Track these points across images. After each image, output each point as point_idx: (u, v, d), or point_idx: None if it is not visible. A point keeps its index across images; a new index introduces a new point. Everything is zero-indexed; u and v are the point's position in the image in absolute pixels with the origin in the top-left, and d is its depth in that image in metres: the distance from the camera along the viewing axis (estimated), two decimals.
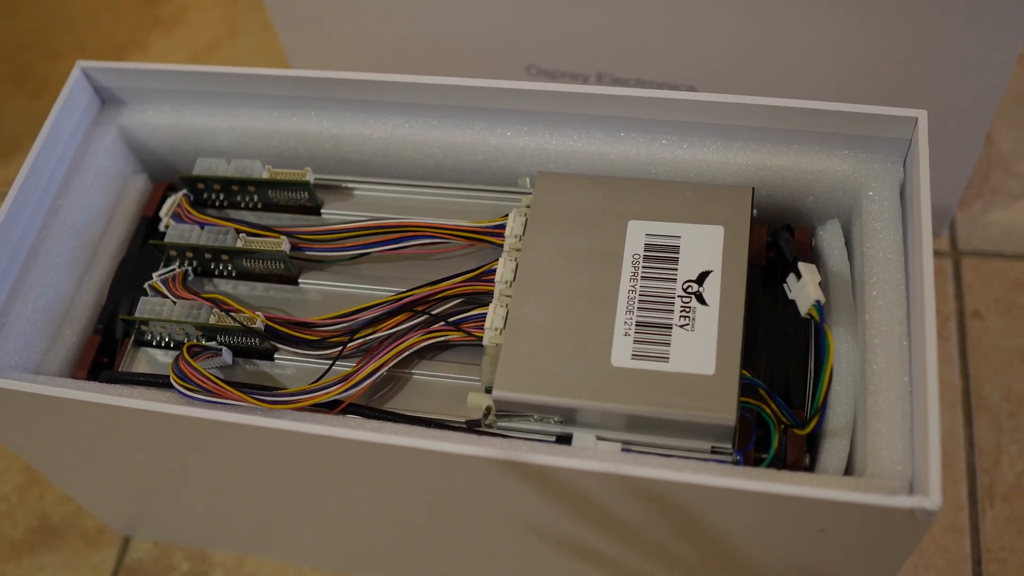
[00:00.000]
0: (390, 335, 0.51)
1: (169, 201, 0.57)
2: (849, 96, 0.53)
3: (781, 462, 0.48)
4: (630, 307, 0.48)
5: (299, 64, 0.77)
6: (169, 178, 0.63)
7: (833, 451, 0.48)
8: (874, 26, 0.62)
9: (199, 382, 0.49)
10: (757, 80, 0.66)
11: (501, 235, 0.53)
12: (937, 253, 0.73)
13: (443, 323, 0.51)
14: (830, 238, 0.54)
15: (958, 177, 0.71)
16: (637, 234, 0.50)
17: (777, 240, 0.53)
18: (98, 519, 0.69)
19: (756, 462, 0.48)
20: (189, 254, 0.55)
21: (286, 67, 0.87)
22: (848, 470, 0.48)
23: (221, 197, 0.58)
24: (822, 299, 0.49)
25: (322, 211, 0.58)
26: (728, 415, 0.45)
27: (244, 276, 0.56)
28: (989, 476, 0.65)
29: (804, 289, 0.49)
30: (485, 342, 0.49)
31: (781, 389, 0.50)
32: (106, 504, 0.65)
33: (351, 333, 0.52)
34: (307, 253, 0.55)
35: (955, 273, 0.72)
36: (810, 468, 0.49)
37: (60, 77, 0.94)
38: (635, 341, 0.47)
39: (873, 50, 0.63)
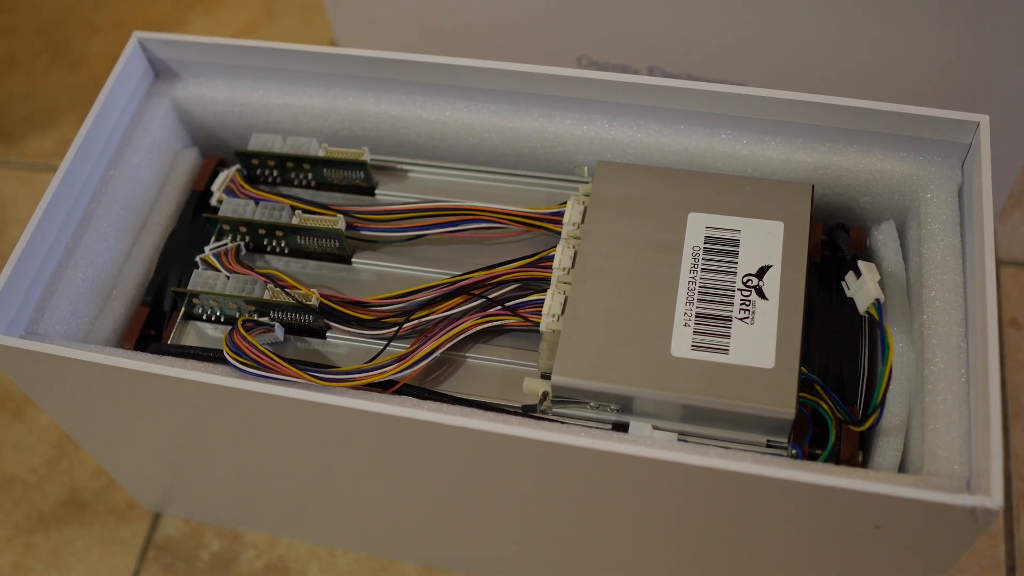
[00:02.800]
0: (445, 317, 0.51)
1: (222, 175, 0.57)
2: (893, 97, 0.53)
3: (835, 458, 0.48)
4: (690, 298, 0.48)
5: (345, 43, 0.77)
6: (219, 153, 0.62)
7: (888, 449, 0.48)
8: (927, 31, 0.62)
9: (254, 356, 0.49)
10: (809, 80, 0.66)
11: (559, 222, 0.53)
12: None
13: (499, 307, 0.51)
14: (885, 239, 0.54)
15: (1000, 188, 0.71)
16: (697, 226, 0.50)
17: (833, 238, 0.54)
18: (129, 494, 0.69)
19: (811, 457, 0.48)
20: (242, 229, 0.55)
21: (331, 45, 0.87)
22: (901, 468, 0.48)
23: (275, 174, 0.58)
24: (882, 298, 0.49)
25: (376, 192, 0.57)
26: (787, 409, 0.45)
27: (297, 253, 0.56)
28: None
29: (864, 287, 0.49)
30: (543, 328, 0.49)
31: (835, 386, 0.50)
32: (140, 479, 0.65)
33: (406, 314, 0.52)
34: (362, 232, 0.55)
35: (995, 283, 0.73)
36: (863, 465, 0.49)
37: (97, 52, 0.94)
38: (695, 332, 0.47)
39: (924, 56, 0.63)
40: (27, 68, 0.94)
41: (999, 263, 0.74)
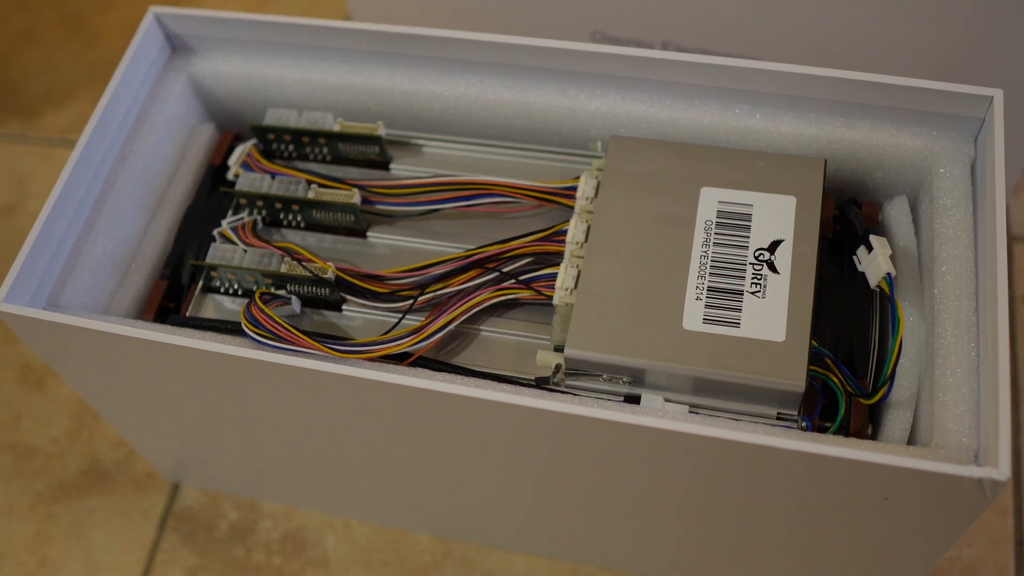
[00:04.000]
0: (460, 291, 0.52)
1: (239, 150, 0.58)
2: (906, 71, 0.53)
3: (845, 431, 0.49)
4: (702, 272, 0.49)
5: (360, 17, 0.77)
6: (236, 128, 0.63)
7: (896, 422, 0.49)
8: (941, 4, 0.62)
9: (271, 328, 0.50)
10: (822, 54, 0.66)
11: (572, 197, 0.53)
12: None
13: (513, 281, 0.52)
14: (897, 213, 0.54)
15: (1013, 164, 0.71)
16: (710, 201, 0.51)
17: (845, 213, 0.54)
18: (148, 465, 0.70)
19: (821, 430, 0.49)
20: (259, 203, 0.56)
21: (345, 20, 0.88)
22: (910, 441, 0.49)
23: (291, 148, 0.58)
24: (893, 272, 0.49)
25: (391, 166, 0.58)
26: (798, 381, 0.46)
27: (313, 227, 0.57)
28: None
29: (875, 261, 0.50)
30: (556, 301, 0.50)
31: (845, 359, 0.51)
32: (159, 449, 0.66)
33: (421, 287, 0.52)
34: (377, 207, 0.55)
35: (1006, 258, 0.73)
36: (873, 438, 0.49)
37: (112, 26, 0.95)
38: (707, 306, 0.48)
39: (939, 29, 0.63)
40: (43, 43, 0.94)
41: (1012, 239, 0.74)
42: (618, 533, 0.58)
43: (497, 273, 0.52)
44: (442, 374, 0.49)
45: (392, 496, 0.63)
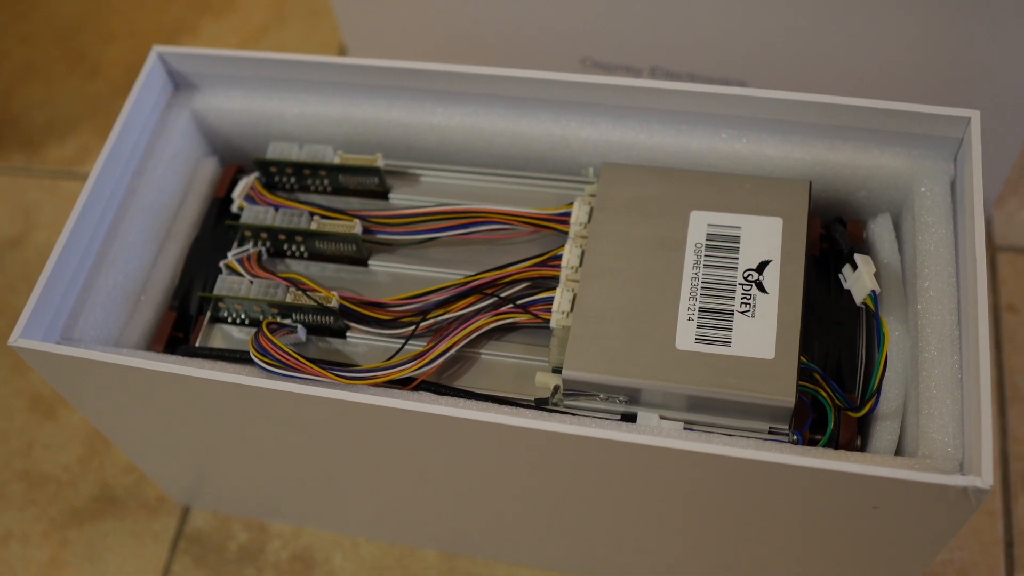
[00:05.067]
0: (460, 316, 0.54)
1: (242, 183, 0.60)
2: (888, 92, 0.55)
3: (834, 443, 0.50)
4: (693, 293, 0.51)
5: (354, 46, 0.79)
6: (239, 161, 0.65)
7: (884, 434, 0.51)
8: (920, 25, 0.64)
9: (279, 357, 0.52)
10: (806, 77, 0.68)
11: (566, 222, 0.55)
12: None
13: (511, 305, 0.53)
14: (881, 231, 0.56)
15: (996, 175, 0.73)
16: (699, 224, 0.53)
17: (831, 232, 0.56)
18: (159, 489, 0.72)
19: (811, 443, 0.51)
20: (263, 235, 0.58)
21: (336, 53, 0.89)
22: (897, 452, 0.51)
23: (292, 181, 0.60)
24: (878, 289, 0.51)
25: (390, 196, 0.60)
26: (787, 397, 0.48)
27: (316, 257, 0.58)
28: (1022, 463, 0.67)
29: (860, 279, 0.51)
30: (552, 324, 0.51)
31: (834, 374, 0.53)
32: (170, 474, 0.67)
33: (422, 313, 0.54)
34: (378, 236, 0.57)
35: (991, 267, 0.75)
36: (861, 450, 0.51)
37: (112, 60, 0.96)
38: (698, 326, 0.50)
39: (918, 49, 0.65)
40: (45, 76, 0.96)
41: (996, 249, 0.76)
42: (618, 546, 0.60)
43: (496, 298, 0.54)
44: (445, 398, 0.51)
45: (398, 514, 0.65)
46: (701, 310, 0.50)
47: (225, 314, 0.57)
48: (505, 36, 0.73)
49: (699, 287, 0.51)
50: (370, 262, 0.58)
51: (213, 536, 0.70)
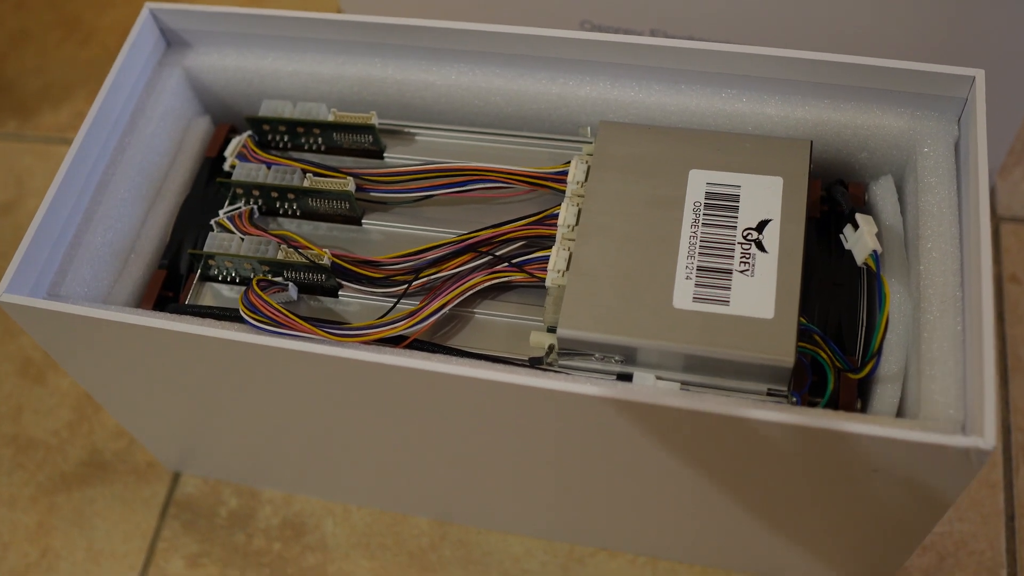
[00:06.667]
0: (454, 275, 0.53)
1: (235, 141, 0.59)
2: (894, 54, 0.54)
3: (834, 405, 0.50)
4: (691, 252, 0.50)
5: (351, 9, 0.78)
6: (231, 120, 0.64)
7: (885, 396, 0.50)
8: None
9: (269, 314, 0.51)
10: (808, 37, 0.66)
11: (563, 181, 0.54)
12: None
13: (506, 264, 0.53)
14: (883, 193, 0.55)
15: (1000, 144, 0.72)
16: (698, 183, 0.52)
17: (832, 194, 0.55)
18: (149, 455, 0.71)
19: (810, 405, 0.50)
20: (255, 192, 0.57)
21: (337, 13, 0.88)
22: (898, 415, 0.50)
23: (286, 139, 0.59)
24: (879, 249, 0.50)
25: (385, 155, 0.59)
26: (786, 357, 0.47)
27: (308, 216, 0.57)
28: (1023, 434, 0.66)
29: (861, 239, 0.50)
30: (548, 283, 0.51)
31: (834, 336, 0.52)
32: (160, 438, 0.66)
33: (416, 272, 0.53)
34: (372, 194, 0.56)
35: (994, 238, 0.74)
36: (862, 412, 0.50)
37: (108, 26, 0.95)
38: (696, 285, 0.49)
39: (924, 11, 0.64)
40: (40, 43, 0.95)
41: (1000, 220, 0.75)
42: (614, 512, 0.59)
43: (490, 257, 0.53)
44: (437, 355, 0.50)
45: (389, 480, 0.64)
46: (699, 269, 0.49)
47: (215, 272, 0.56)
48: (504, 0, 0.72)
49: (697, 246, 0.50)
50: (364, 221, 0.57)
51: (203, 502, 0.69)
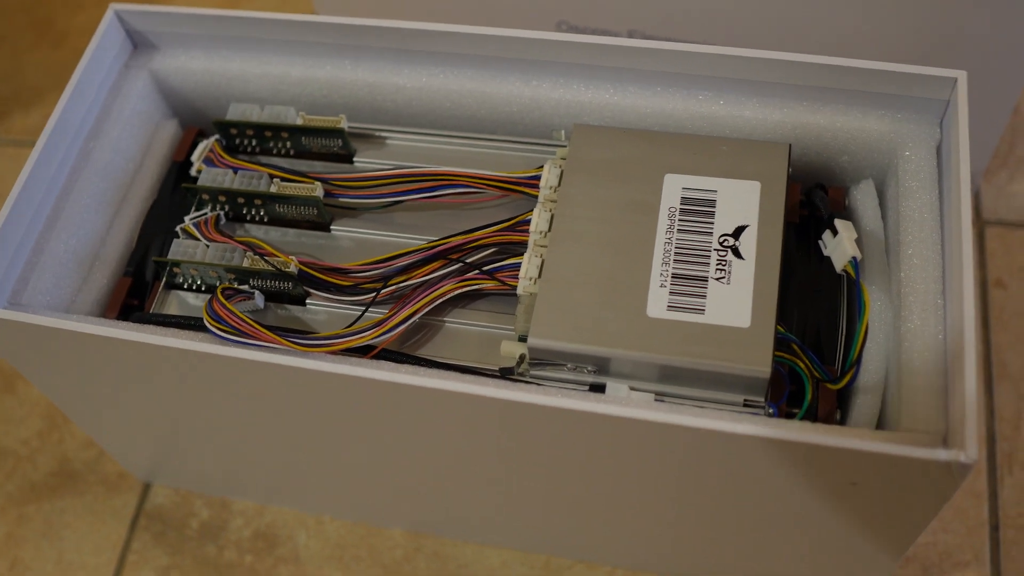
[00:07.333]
0: (424, 282, 0.52)
1: (201, 146, 0.57)
2: (876, 55, 0.53)
3: (812, 416, 0.48)
4: (666, 259, 0.48)
5: (326, 11, 0.76)
6: (200, 124, 0.62)
7: (865, 407, 0.48)
8: None
9: (233, 323, 0.50)
10: (789, 40, 0.65)
11: (535, 186, 0.53)
12: None
13: (477, 272, 0.51)
14: (864, 197, 0.54)
15: (984, 147, 0.71)
16: (674, 187, 0.50)
17: (811, 198, 0.54)
18: (119, 465, 0.69)
19: (788, 416, 0.48)
20: (222, 198, 0.55)
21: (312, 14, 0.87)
22: (878, 426, 0.48)
23: (254, 143, 0.58)
24: (859, 255, 0.49)
25: (355, 159, 0.57)
26: (763, 368, 0.45)
27: (276, 222, 0.56)
28: (1009, 443, 0.65)
29: (840, 245, 0.49)
30: (519, 291, 0.49)
31: (813, 345, 0.50)
32: (129, 449, 0.65)
33: (385, 280, 0.52)
34: (340, 200, 0.55)
35: (979, 241, 0.73)
36: (841, 423, 0.49)
37: (81, 28, 0.94)
38: (671, 293, 0.48)
39: (905, 13, 0.63)
40: (12, 46, 0.94)
41: (985, 223, 0.74)
42: (589, 524, 0.58)
43: (461, 264, 0.52)
44: (405, 366, 0.48)
45: (362, 491, 0.62)
46: (674, 276, 0.48)
47: (181, 280, 0.55)
48: (480, 1, 0.70)
49: (672, 252, 0.49)
50: (332, 227, 0.56)
51: (174, 513, 0.67)
